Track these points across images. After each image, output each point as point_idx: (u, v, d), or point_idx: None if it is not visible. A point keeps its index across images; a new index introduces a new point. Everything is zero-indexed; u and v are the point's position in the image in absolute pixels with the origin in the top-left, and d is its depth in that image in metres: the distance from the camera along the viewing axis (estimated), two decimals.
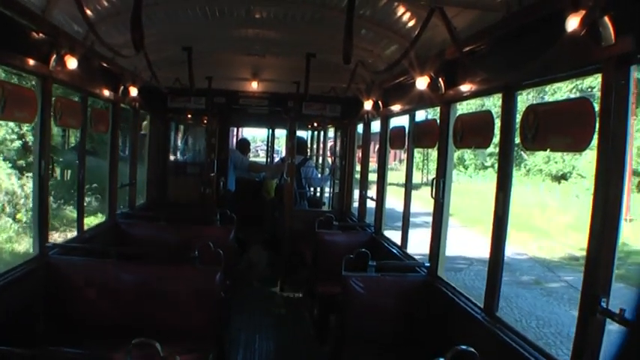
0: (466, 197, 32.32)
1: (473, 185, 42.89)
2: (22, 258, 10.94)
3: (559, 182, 38.29)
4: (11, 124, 18.43)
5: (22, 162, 19.64)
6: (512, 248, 20.05)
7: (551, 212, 28.48)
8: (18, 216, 17.60)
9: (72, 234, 14.67)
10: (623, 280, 14.12)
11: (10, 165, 18.91)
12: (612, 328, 3.38)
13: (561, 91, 33.64)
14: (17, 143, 19.68)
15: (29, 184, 18.00)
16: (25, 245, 16.08)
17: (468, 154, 46.59)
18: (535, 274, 17.09)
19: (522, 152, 34.38)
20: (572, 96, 31.12)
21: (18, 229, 16.99)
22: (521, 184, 39.17)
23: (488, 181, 35.86)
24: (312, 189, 13.56)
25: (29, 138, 19.67)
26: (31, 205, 16.87)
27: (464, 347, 3.60)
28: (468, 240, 19.44)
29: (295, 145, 11.00)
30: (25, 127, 19.44)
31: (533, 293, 14.70)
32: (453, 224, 24.80)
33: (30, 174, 18.09)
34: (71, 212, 19.12)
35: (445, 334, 5.53)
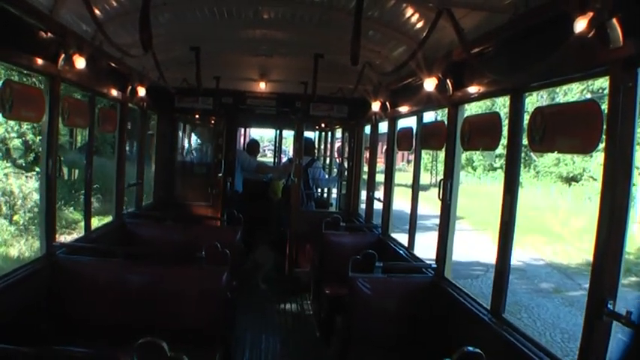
0: (476, 199, 32.16)
1: (482, 187, 42.75)
2: (17, 263, 10.94)
3: (569, 184, 38.16)
4: (11, 122, 18.29)
5: (21, 161, 19.50)
6: (528, 253, 19.79)
7: (563, 215, 28.17)
8: (15, 217, 17.38)
9: (72, 237, 14.64)
10: None
11: (8, 165, 18.78)
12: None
13: (572, 92, 33.56)
14: (17, 142, 19.51)
15: (28, 184, 17.89)
16: (20, 249, 15.92)
17: (476, 155, 46.47)
18: (554, 281, 16.69)
19: (532, 154, 34.29)
20: (584, 97, 31.04)
21: (14, 232, 16.77)
22: (531, 185, 39.03)
23: (498, 183, 35.72)
24: (319, 190, 13.55)
25: (29, 137, 19.56)
26: (29, 206, 16.78)
27: (470, 349, 3.58)
28: (481, 244, 19.17)
29: (303, 146, 11.00)
30: (25, 126, 19.31)
31: (554, 303, 14.27)
32: (464, 227, 24.62)
33: (29, 174, 17.99)
34: (72, 214, 18.95)
35: (451, 335, 5.52)
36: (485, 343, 4.05)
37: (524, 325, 10.80)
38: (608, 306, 3.37)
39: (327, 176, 13.14)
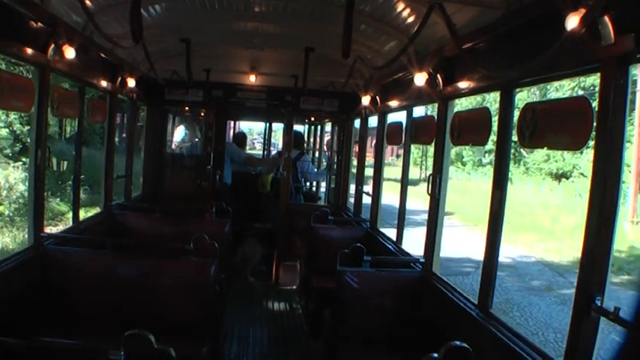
0: (466, 195, 32.18)
1: (472, 183, 42.79)
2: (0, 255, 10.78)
3: (559, 181, 38.28)
4: None
5: (8, 151, 19.27)
6: (519, 250, 19.83)
7: (554, 212, 28.16)
8: (0, 208, 17.13)
9: (57, 229, 14.52)
10: (635, 286, 13.75)
11: None
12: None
13: (564, 88, 33.65)
14: (4, 132, 19.28)
15: (15, 175, 17.69)
16: (4, 241, 15.56)
17: (466, 150, 46.57)
18: (545, 279, 16.60)
19: (522, 150, 34.41)
20: (575, 94, 31.11)
21: None
22: (521, 182, 39.12)
23: (487, 179, 35.75)
24: (308, 183, 13.56)
25: (17, 127, 19.36)
26: (14, 197, 16.48)
27: (457, 343, 3.60)
28: (471, 241, 19.14)
29: (292, 139, 10.99)
30: (12, 115, 19.11)
31: (546, 301, 14.18)
32: (454, 224, 24.52)
33: (16, 164, 17.78)
34: (58, 205, 18.71)
35: (439, 330, 5.53)
36: (473, 338, 4.07)
37: (517, 324, 10.74)
38: (596, 302, 3.39)
39: (316, 170, 13.15)
